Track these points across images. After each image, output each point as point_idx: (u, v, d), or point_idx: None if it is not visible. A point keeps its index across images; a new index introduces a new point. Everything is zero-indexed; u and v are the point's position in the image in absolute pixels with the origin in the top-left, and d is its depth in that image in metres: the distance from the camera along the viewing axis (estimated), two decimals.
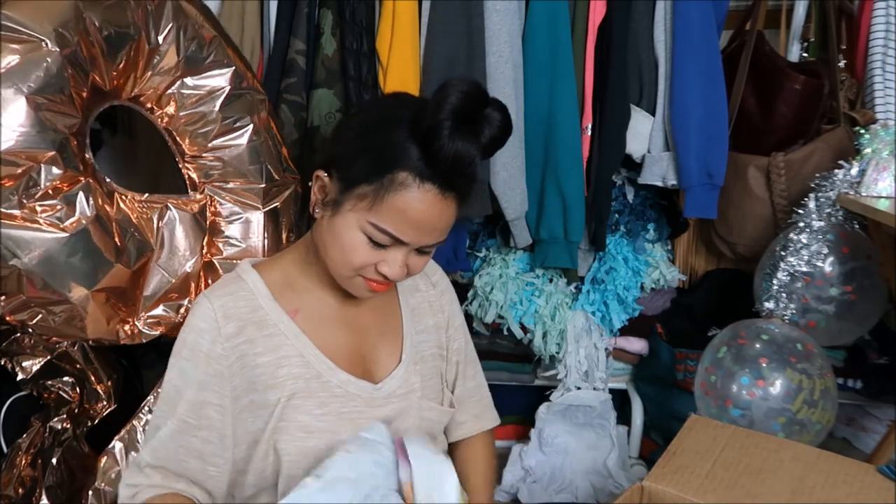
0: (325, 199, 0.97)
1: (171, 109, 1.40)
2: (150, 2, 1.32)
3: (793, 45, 1.89)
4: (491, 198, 1.65)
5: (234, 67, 1.41)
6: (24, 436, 1.50)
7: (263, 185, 1.45)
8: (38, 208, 1.19)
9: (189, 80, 1.39)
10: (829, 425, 1.48)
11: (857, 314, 1.53)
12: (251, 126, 1.43)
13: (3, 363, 1.52)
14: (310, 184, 0.99)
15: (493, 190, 1.64)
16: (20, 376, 1.51)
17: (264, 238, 1.47)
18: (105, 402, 1.53)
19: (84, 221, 1.23)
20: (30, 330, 1.33)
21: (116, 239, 1.29)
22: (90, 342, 1.41)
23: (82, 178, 1.24)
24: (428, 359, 1.10)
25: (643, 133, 1.68)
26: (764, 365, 1.45)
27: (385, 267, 0.94)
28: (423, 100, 0.94)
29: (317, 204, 0.98)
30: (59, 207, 1.21)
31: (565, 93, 1.61)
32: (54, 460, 1.47)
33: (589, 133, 1.66)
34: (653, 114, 1.67)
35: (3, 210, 1.16)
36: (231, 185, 1.44)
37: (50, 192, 1.20)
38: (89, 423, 1.53)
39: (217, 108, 1.40)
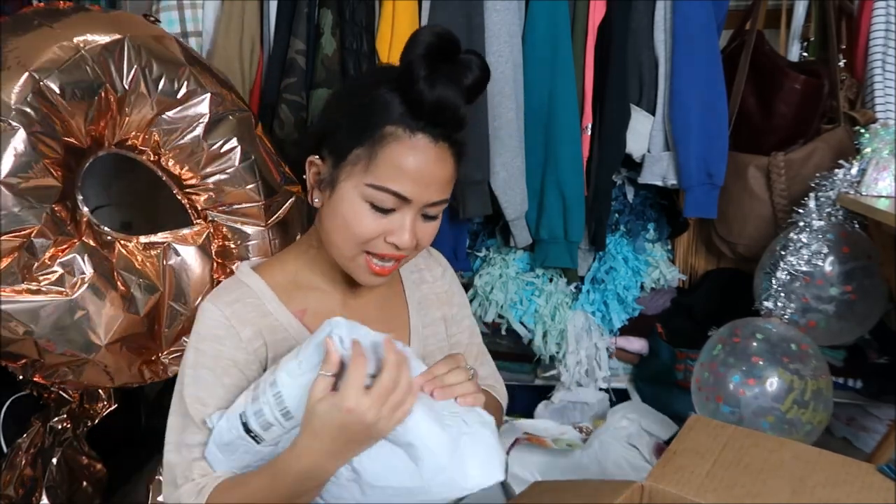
0: (322, 182, 0.94)
1: (156, 146, 1.39)
2: (107, 51, 1.28)
3: (793, 45, 1.89)
4: (491, 198, 1.65)
5: (209, 93, 1.39)
6: (24, 436, 1.50)
7: (264, 202, 1.44)
8: (41, 278, 1.22)
9: (167, 115, 1.36)
10: (820, 426, 1.48)
11: (857, 314, 1.53)
12: (240, 147, 1.41)
13: (3, 363, 1.52)
14: (304, 176, 0.97)
15: (493, 190, 1.64)
16: (20, 376, 1.51)
17: (273, 252, 1.46)
18: (105, 402, 1.53)
19: (85, 281, 1.25)
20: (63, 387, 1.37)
21: (121, 289, 1.30)
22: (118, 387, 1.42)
23: (76, 241, 1.26)
24: (436, 353, 1.07)
25: (643, 133, 1.68)
26: (757, 364, 1.46)
27: (394, 236, 0.90)
28: None
29: (314, 190, 0.95)
30: (58, 273, 1.23)
31: (565, 92, 1.61)
32: (54, 460, 1.47)
33: (589, 133, 1.66)
34: (653, 113, 1.67)
35: (8, 288, 1.19)
36: (233, 206, 1.43)
37: (47, 261, 1.22)
38: (89, 423, 1.53)
39: (201, 135, 1.38)
